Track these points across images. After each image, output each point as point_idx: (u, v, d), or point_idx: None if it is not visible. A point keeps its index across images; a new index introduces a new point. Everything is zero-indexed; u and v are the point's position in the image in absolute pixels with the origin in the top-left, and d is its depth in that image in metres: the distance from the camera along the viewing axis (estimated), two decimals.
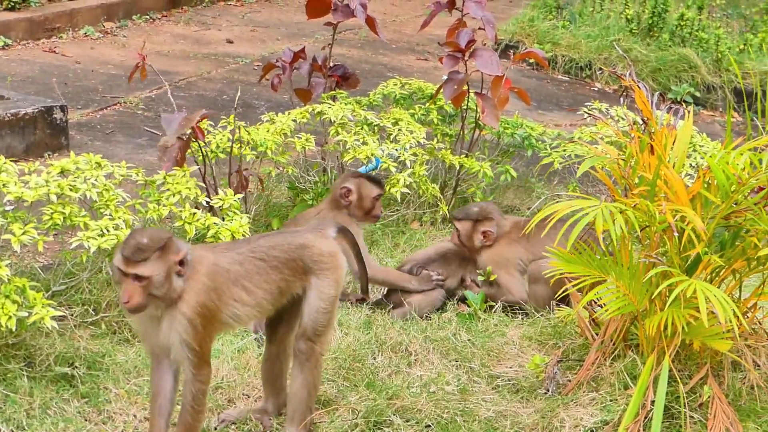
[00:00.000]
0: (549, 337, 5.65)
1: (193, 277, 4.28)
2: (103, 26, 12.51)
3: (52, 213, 5.22)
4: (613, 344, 5.08)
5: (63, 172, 5.48)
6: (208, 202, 5.82)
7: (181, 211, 5.60)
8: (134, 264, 4.15)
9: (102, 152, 6.38)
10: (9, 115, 7.97)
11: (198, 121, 5.96)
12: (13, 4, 11.53)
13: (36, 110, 8.13)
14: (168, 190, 5.70)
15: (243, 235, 5.46)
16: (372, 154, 6.65)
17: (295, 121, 6.89)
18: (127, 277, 4.17)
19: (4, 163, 5.34)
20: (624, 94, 6.71)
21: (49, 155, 8.08)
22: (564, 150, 7.22)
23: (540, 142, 7.63)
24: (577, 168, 5.43)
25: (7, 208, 5.24)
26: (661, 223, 4.79)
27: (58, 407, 4.76)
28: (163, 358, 4.39)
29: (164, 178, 5.76)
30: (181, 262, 4.23)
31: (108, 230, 5.20)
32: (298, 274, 4.58)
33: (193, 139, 6.07)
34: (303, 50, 7.41)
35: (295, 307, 4.68)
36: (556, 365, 5.18)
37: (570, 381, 5.10)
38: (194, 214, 5.59)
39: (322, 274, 4.61)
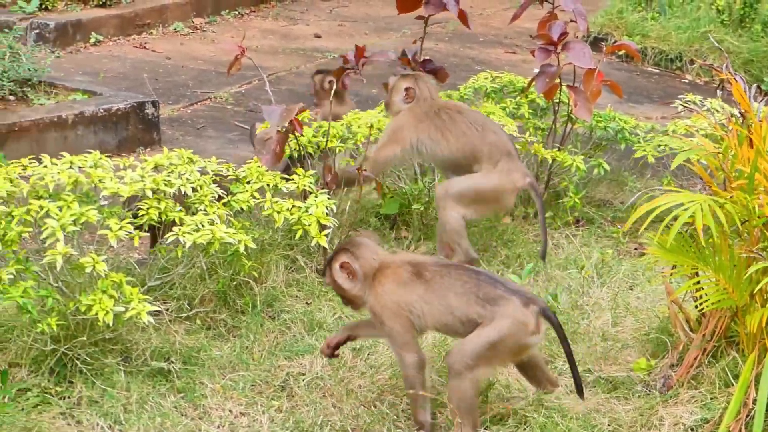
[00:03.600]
0: (644, 337, 5.56)
1: None
2: (192, 22, 12.59)
3: (147, 208, 5.25)
4: (714, 341, 4.98)
5: (156, 168, 5.50)
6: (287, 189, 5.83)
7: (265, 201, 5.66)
8: None
9: (193, 147, 6.42)
10: (102, 110, 8.07)
11: (296, 114, 5.97)
12: (104, 1, 11.66)
13: (128, 106, 8.21)
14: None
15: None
16: None
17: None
18: None
19: (100, 158, 5.34)
20: (720, 86, 6.58)
21: (141, 150, 8.15)
22: (659, 144, 7.10)
23: (633, 136, 7.54)
24: (671, 162, 5.34)
25: (102, 203, 5.25)
26: (760, 218, 4.70)
27: (155, 402, 4.79)
28: None
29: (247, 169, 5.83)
30: None
31: (203, 225, 5.21)
32: None
33: (291, 133, 6.07)
34: (364, 47, 7.29)
35: None
36: (670, 368, 5.08)
37: (670, 379, 5.02)
38: (277, 201, 5.61)
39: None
